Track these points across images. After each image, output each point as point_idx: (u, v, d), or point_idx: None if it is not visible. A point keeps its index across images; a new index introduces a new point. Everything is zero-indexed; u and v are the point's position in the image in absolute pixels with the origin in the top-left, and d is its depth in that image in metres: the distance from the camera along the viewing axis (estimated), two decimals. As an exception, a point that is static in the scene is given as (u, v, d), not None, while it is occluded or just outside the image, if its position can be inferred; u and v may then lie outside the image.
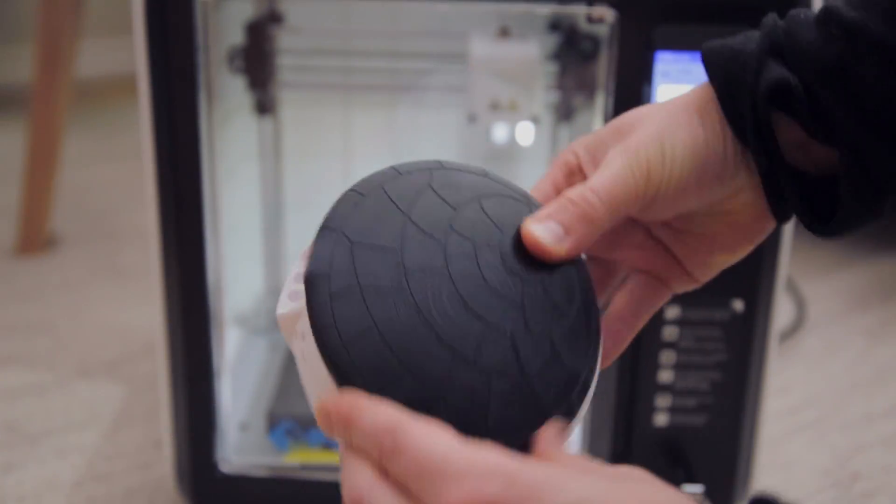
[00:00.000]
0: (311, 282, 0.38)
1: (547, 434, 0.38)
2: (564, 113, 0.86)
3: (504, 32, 0.80)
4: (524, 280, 0.39)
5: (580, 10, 0.67)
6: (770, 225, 0.46)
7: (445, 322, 0.37)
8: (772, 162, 0.43)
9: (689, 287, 0.49)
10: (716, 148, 0.43)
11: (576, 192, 0.42)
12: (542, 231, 0.40)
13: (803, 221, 0.44)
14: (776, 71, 0.42)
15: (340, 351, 0.37)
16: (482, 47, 0.78)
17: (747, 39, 0.43)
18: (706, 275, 0.48)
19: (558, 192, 0.47)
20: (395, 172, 0.43)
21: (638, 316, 0.47)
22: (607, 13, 0.65)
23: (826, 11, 0.42)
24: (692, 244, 0.47)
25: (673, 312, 0.70)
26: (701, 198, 0.44)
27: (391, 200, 0.41)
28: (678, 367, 0.71)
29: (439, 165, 0.43)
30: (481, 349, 0.37)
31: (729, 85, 0.43)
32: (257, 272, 1.01)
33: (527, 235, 0.40)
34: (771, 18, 0.44)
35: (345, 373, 0.37)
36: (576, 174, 0.46)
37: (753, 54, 0.43)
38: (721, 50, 0.44)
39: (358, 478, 0.36)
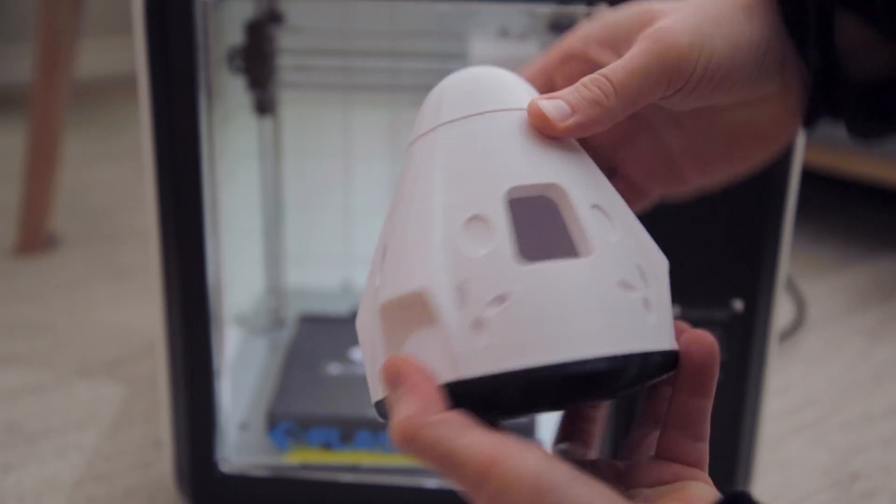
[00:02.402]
0: None
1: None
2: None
3: (504, 32, 0.80)
4: None
5: (580, 10, 0.67)
6: (780, 141, 0.43)
7: None
8: (826, 59, 0.40)
9: (672, 189, 0.47)
10: (757, 49, 0.40)
11: (590, 77, 0.40)
12: (549, 106, 0.39)
13: (850, 123, 0.42)
14: None
15: None
16: (482, 47, 0.78)
17: None
18: (698, 178, 0.46)
19: (547, 78, 0.46)
20: None
21: None
22: (607, 13, 0.65)
23: None
24: (695, 139, 0.45)
25: (673, 312, 0.70)
26: (722, 98, 0.42)
27: None
28: (678, 367, 0.71)
29: None
30: None
31: None
32: (257, 272, 1.01)
33: (533, 110, 0.39)
34: None
35: None
36: (575, 62, 0.44)
37: None
38: None
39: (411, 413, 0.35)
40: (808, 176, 1.44)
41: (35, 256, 1.35)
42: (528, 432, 0.81)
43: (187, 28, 0.66)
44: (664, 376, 0.40)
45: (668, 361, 0.39)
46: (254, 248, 1.00)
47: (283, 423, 0.81)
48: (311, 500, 0.78)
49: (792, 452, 0.93)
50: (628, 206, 0.41)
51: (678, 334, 0.41)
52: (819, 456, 0.93)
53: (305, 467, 0.79)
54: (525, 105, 0.40)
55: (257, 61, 0.84)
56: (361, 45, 0.90)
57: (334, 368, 0.88)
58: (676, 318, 0.70)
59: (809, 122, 0.43)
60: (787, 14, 0.41)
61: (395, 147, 1.02)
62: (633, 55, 0.40)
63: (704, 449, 0.40)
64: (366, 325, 0.41)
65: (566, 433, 0.44)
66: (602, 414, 0.45)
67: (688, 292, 0.69)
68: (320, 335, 0.95)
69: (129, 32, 0.68)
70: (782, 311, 1.20)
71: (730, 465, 0.74)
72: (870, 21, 0.40)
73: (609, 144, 0.47)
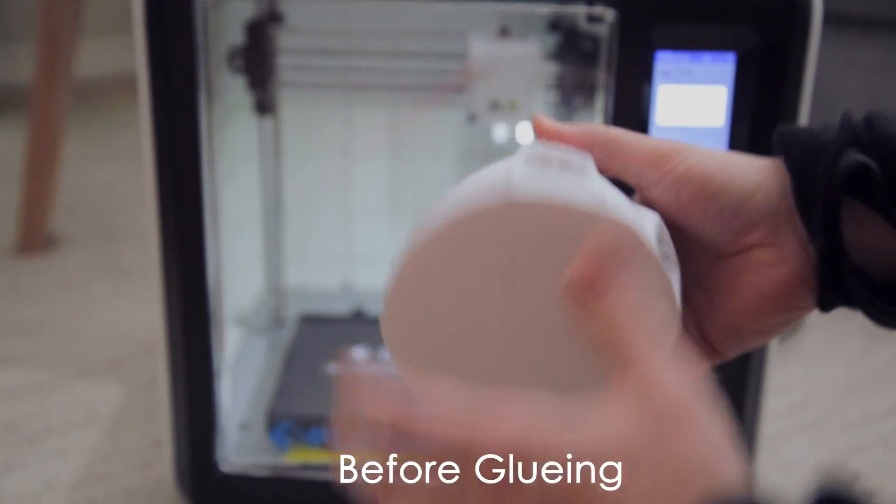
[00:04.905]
0: None
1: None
2: (564, 113, 0.86)
3: (504, 32, 0.80)
4: None
5: (580, 10, 0.67)
6: (802, 303, 0.46)
7: None
8: (833, 248, 0.42)
9: (714, 361, 0.48)
10: (746, 184, 0.43)
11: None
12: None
13: (867, 311, 0.44)
14: (855, 157, 0.42)
15: None
16: (482, 47, 0.78)
17: (825, 129, 0.44)
18: (730, 345, 0.47)
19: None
20: None
21: None
22: (607, 13, 0.65)
23: None
24: (711, 302, 0.46)
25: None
26: (699, 210, 0.44)
27: None
28: (678, 367, 0.71)
29: None
30: None
31: (804, 166, 0.43)
32: (257, 272, 1.01)
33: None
34: (848, 114, 0.44)
35: None
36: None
37: (834, 141, 0.43)
38: (798, 133, 0.44)
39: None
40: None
41: (35, 256, 1.35)
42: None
43: (187, 28, 0.66)
44: None
45: None
46: (254, 248, 1.00)
47: (283, 423, 0.81)
48: (311, 500, 0.78)
49: (792, 452, 0.93)
50: None
51: None
52: (819, 456, 0.93)
53: (305, 467, 0.79)
54: None
55: (257, 61, 0.84)
56: (361, 45, 0.90)
57: (334, 368, 0.88)
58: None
59: (823, 305, 0.45)
60: (799, 201, 0.43)
61: (395, 147, 1.02)
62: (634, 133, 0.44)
63: None
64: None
65: None
66: None
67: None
68: (320, 335, 0.95)
69: (129, 32, 0.68)
70: (782, 311, 1.20)
71: (730, 465, 0.74)
72: (880, 213, 0.42)
73: None
